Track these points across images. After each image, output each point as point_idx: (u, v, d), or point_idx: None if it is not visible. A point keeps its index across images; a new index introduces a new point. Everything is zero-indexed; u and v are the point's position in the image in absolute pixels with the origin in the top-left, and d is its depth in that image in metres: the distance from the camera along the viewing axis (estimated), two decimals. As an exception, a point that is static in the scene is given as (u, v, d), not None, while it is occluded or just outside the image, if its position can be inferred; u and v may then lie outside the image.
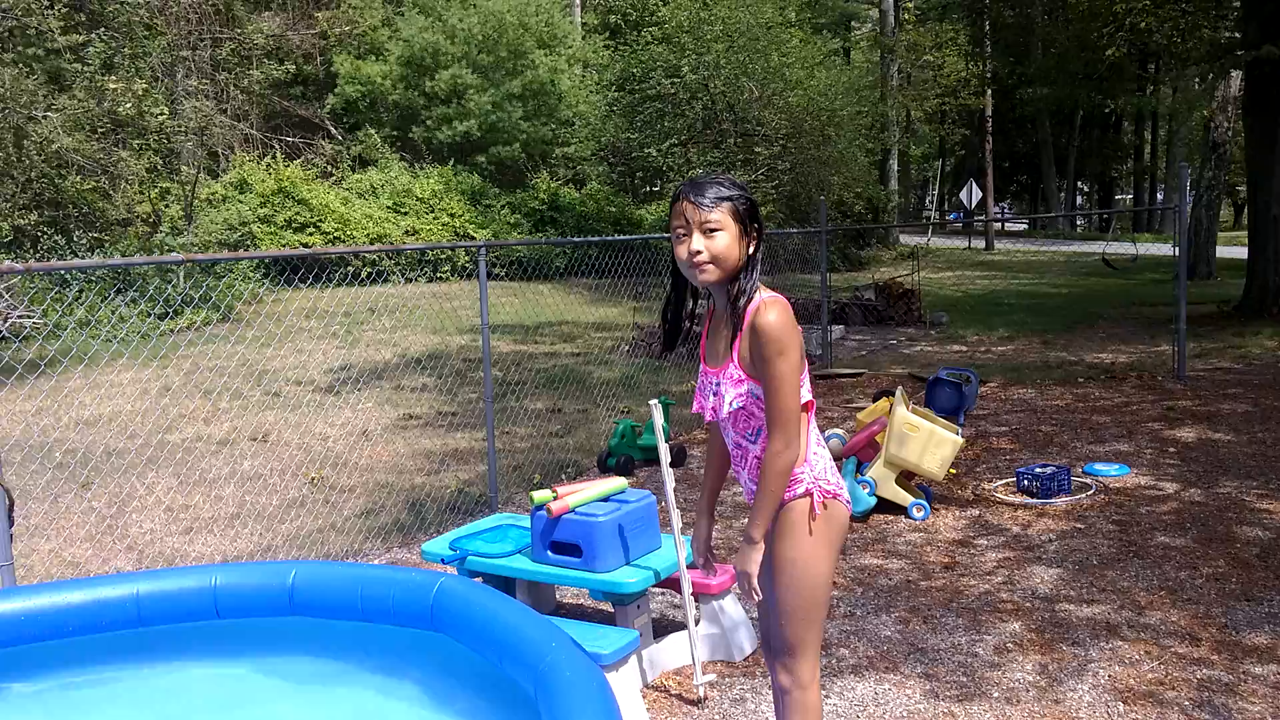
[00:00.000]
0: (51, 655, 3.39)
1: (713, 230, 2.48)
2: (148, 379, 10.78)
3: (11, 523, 4.04)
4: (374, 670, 3.50)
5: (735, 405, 2.57)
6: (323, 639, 3.56)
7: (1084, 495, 6.07)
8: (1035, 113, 39.40)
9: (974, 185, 32.31)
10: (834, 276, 19.04)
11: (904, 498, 5.84)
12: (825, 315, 11.75)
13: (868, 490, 5.82)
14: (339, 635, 3.58)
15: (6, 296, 13.53)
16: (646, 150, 22.71)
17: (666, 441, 4.12)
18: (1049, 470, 6.17)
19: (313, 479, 7.23)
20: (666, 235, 9.64)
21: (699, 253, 2.49)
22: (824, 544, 2.56)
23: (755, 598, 2.60)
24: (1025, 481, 6.19)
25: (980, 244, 33.89)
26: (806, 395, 2.57)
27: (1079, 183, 50.03)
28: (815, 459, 2.59)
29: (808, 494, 2.55)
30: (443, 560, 4.29)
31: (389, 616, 3.56)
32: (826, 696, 3.76)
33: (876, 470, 5.87)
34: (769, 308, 2.45)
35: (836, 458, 7.08)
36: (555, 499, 4.09)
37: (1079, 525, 5.59)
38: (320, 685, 3.44)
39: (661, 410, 4.16)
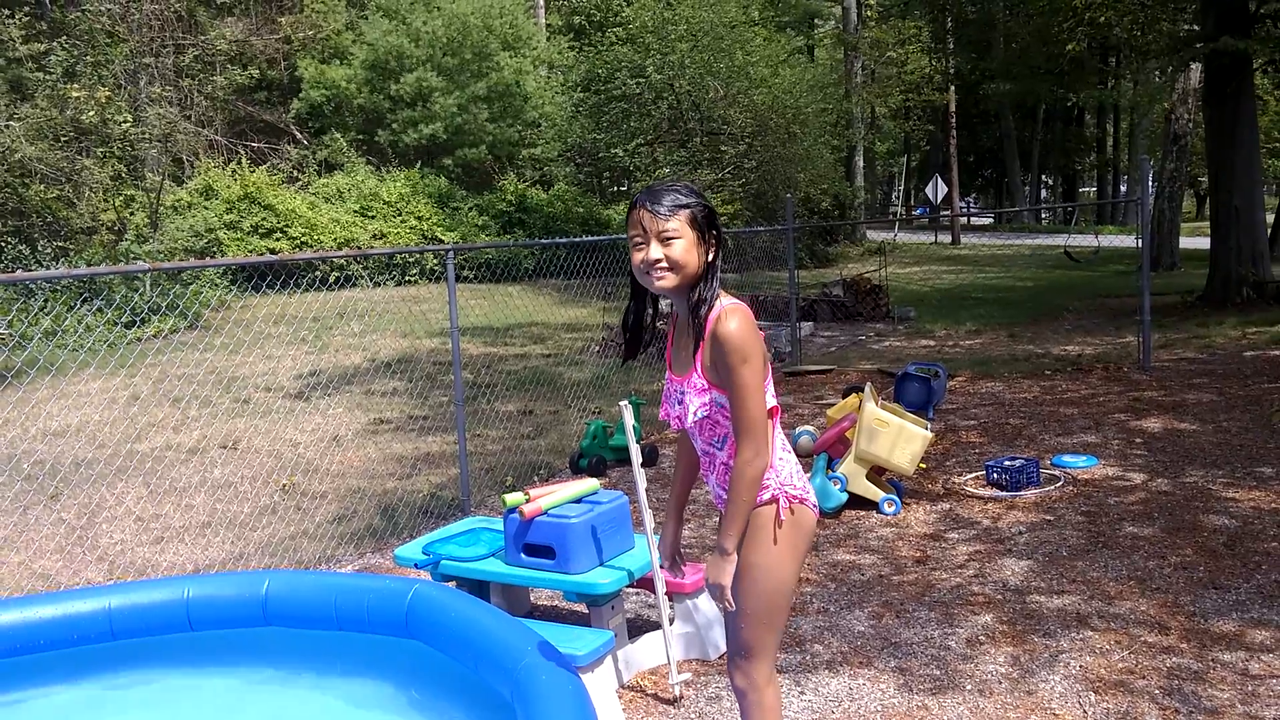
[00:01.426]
0: (23, 670, 3.36)
1: (670, 239, 2.47)
2: (116, 388, 10.66)
3: (-23, 538, 3.99)
4: (349, 678, 3.50)
5: (700, 415, 2.56)
6: (297, 648, 3.55)
7: (1053, 487, 6.15)
8: (998, 107, 39.85)
9: (939, 180, 32.59)
10: (802, 273, 19.15)
11: (875, 493, 5.89)
12: (794, 312, 11.81)
13: (839, 486, 5.87)
14: (314, 644, 3.57)
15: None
16: (613, 150, 22.71)
17: (638, 442, 4.13)
18: (1018, 463, 6.24)
19: (284, 486, 7.18)
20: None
21: (657, 261, 2.48)
22: (789, 549, 2.56)
23: (729, 608, 2.60)
24: (994, 474, 6.26)
25: (946, 239, 34.20)
26: (771, 401, 2.56)
27: (1043, 176, 50.63)
28: (781, 464, 2.58)
29: (774, 500, 2.54)
30: (416, 565, 4.28)
31: (364, 625, 3.56)
32: (801, 693, 3.79)
33: (847, 466, 5.92)
34: (730, 315, 2.45)
35: (807, 455, 7.12)
36: (528, 501, 4.10)
37: (1048, 517, 5.66)
38: (295, 694, 3.43)
39: (632, 410, 4.18)
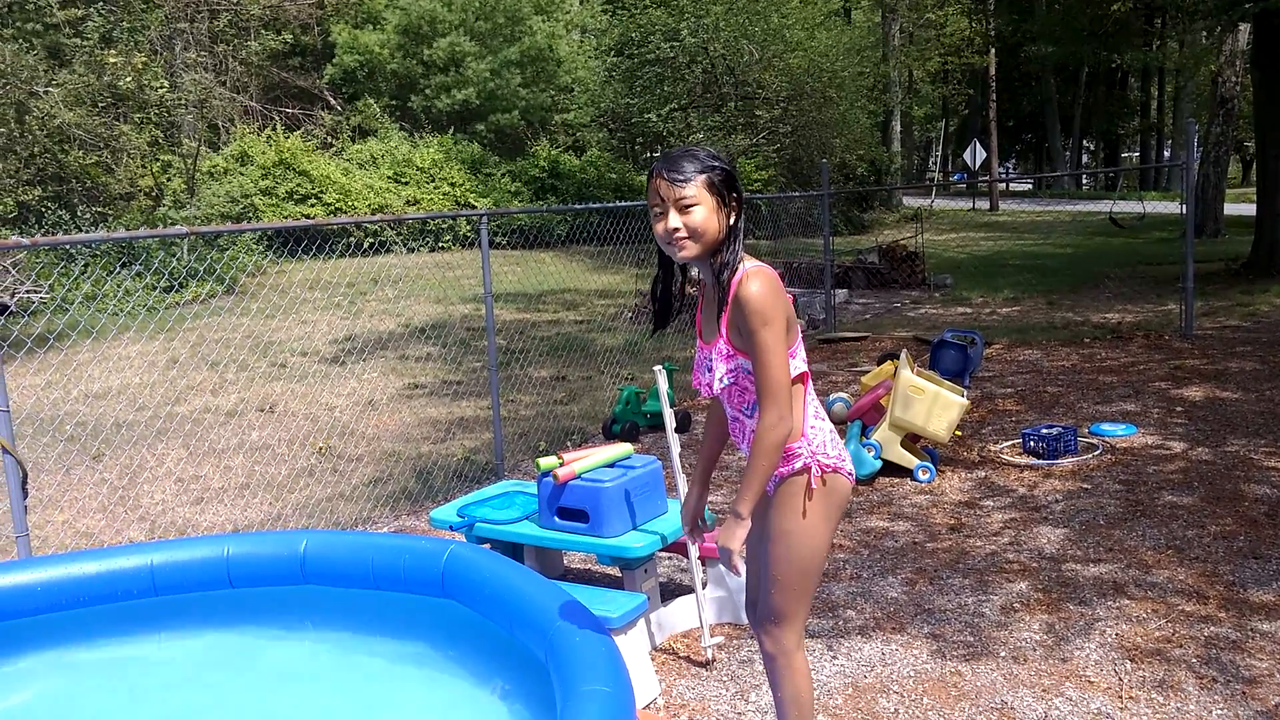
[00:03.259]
0: (70, 624, 3.43)
1: (689, 206, 2.41)
2: (155, 352, 10.81)
3: (26, 494, 4.07)
4: (386, 637, 3.53)
5: (726, 381, 2.52)
6: (335, 607, 3.60)
7: (1090, 455, 6.08)
8: (1040, 71, 39.07)
9: (978, 145, 32.08)
10: (837, 240, 18.95)
11: (909, 460, 5.85)
12: (828, 279, 11.71)
13: (873, 453, 5.84)
14: (351, 603, 3.61)
15: (13, 272, 13.54)
16: (646, 115, 22.56)
17: (671, 407, 4.12)
18: (1055, 431, 6.17)
19: (320, 449, 7.26)
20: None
21: (677, 229, 2.42)
22: (821, 518, 2.53)
23: (739, 573, 2.59)
24: (1031, 442, 6.20)
25: (984, 205, 33.71)
26: (801, 366, 2.51)
27: (1084, 141, 49.67)
28: (813, 432, 2.53)
29: (805, 468, 2.50)
30: (451, 527, 4.31)
31: (400, 584, 3.59)
32: (834, 657, 3.79)
33: (882, 433, 5.88)
34: (752, 278, 2.39)
35: (841, 422, 7.09)
36: (561, 465, 4.11)
37: (1085, 485, 5.60)
38: (333, 651, 3.48)
39: (666, 376, 4.17)
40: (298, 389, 9.14)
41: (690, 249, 2.44)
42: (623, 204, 9.07)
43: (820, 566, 2.59)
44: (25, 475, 4.14)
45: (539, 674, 2.95)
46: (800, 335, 2.58)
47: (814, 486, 2.51)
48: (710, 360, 2.58)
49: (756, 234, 17.29)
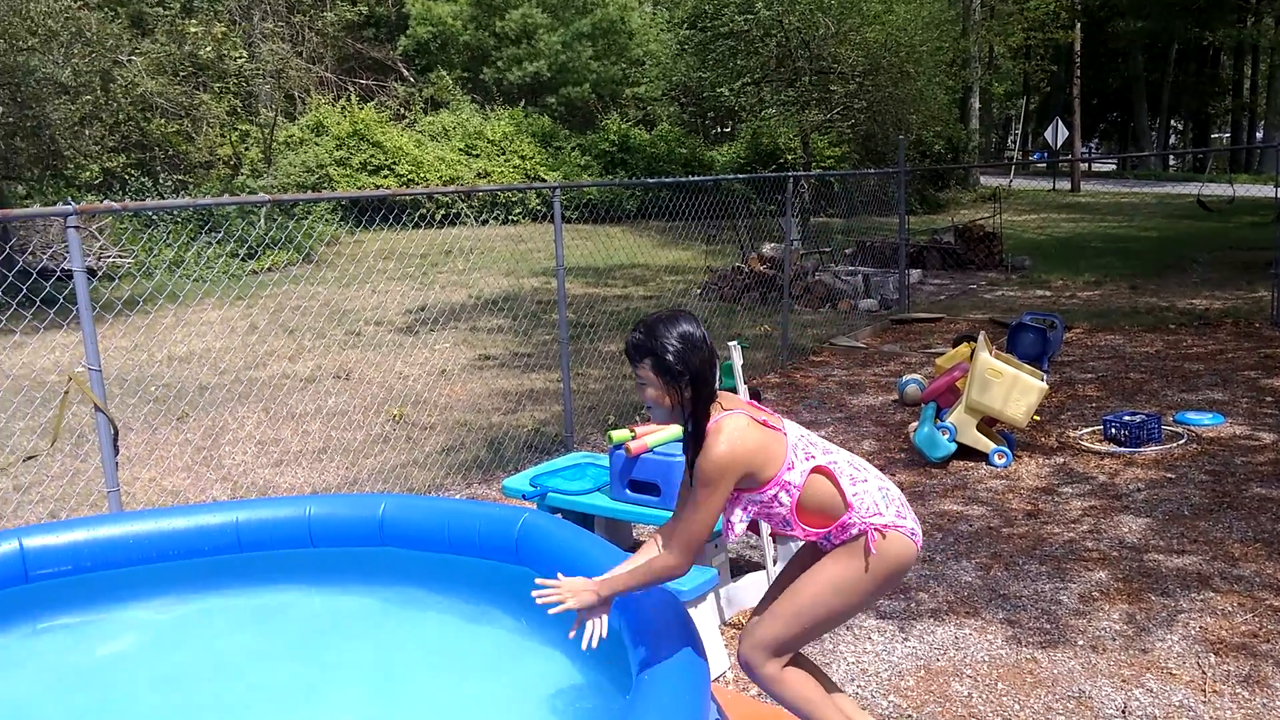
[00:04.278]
0: (159, 576, 3.55)
1: (641, 384, 2.49)
2: (235, 317, 11.08)
3: (116, 451, 4.21)
4: (460, 600, 3.58)
5: (744, 523, 2.55)
6: (411, 569, 3.66)
7: (1175, 444, 5.91)
8: (1127, 46, 37.79)
9: (1060, 124, 31.21)
10: (911, 219, 18.62)
11: (985, 444, 5.75)
12: (902, 258, 11.53)
13: (947, 436, 5.74)
14: (426, 566, 3.67)
15: (101, 237, 13.96)
16: (718, 90, 22.31)
17: (746, 382, 4.10)
18: (1138, 418, 6.01)
19: (394, 416, 7.38)
20: (739, 176, 9.56)
21: (646, 401, 2.51)
22: (869, 580, 2.48)
23: (585, 638, 2.52)
24: (1113, 429, 6.04)
25: (1066, 185, 32.81)
26: (819, 460, 2.50)
27: (1172, 120, 48.01)
28: (858, 500, 2.49)
29: (862, 533, 2.48)
30: (523, 496, 4.36)
31: (474, 549, 3.64)
32: (905, 640, 3.76)
33: (957, 416, 5.79)
34: (714, 438, 2.40)
35: (914, 403, 6.99)
36: (634, 438, 4.12)
37: (1169, 475, 5.45)
38: (409, 612, 3.54)
39: (739, 352, 4.14)
40: (372, 357, 9.29)
41: (657, 416, 2.52)
42: (693, 179, 9.00)
43: (838, 623, 2.57)
44: (116, 432, 4.27)
45: (613, 642, 2.97)
46: (790, 437, 2.52)
47: (872, 550, 2.46)
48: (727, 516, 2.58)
49: (829, 211, 17.08)
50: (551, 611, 2.49)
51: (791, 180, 9.36)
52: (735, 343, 4.08)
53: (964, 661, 3.58)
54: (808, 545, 2.67)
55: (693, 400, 2.44)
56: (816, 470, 2.48)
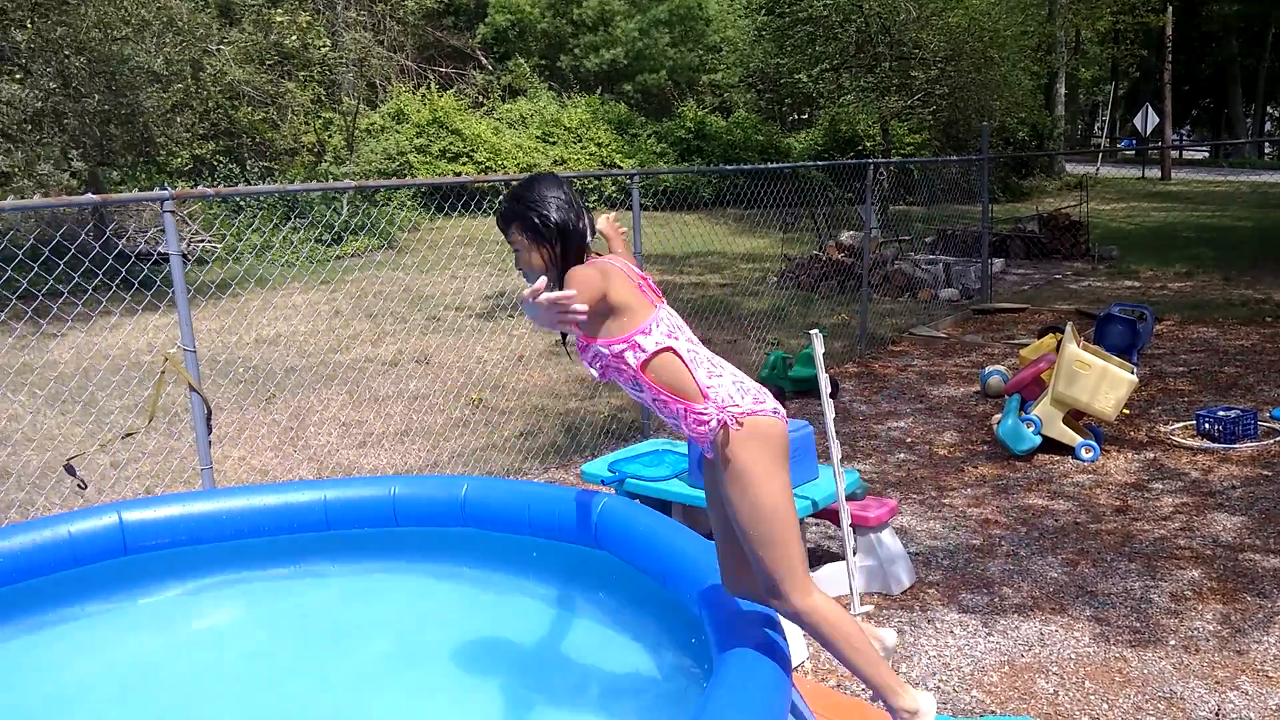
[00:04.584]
0: (249, 551, 3.65)
1: (515, 251, 2.57)
2: (319, 302, 11.33)
3: (209, 430, 4.35)
4: (540, 581, 3.62)
5: (596, 370, 2.54)
6: (492, 550, 3.71)
7: (1272, 441, 5.70)
8: (1221, 31, 36.36)
9: (1150, 110, 30.18)
10: (994, 207, 18.23)
11: (1071, 438, 5.61)
12: (985, 247, 11.29)
13: (1032, 429, 5.62)
14: (506, 547, 3.72)
15: (192, 223, 14.40)
16: (796, 76, 22.07)
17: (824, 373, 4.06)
18: (1233, 414, 5.80)
19: (474, 400, 7.49)
20: (817, 164, 9.41)
21: (522, 272, 2.58)
22: (760, 462, 2.42)
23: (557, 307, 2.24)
24: (1206, 424, 5.85)
25: (1155, 173, 31.76)
26: (664, 341, 2.46)
27: (1268, 107, 46.09)
28: (712, 390, 2.45)
29: (721, 424, 2.43)
30: (602, 481, 4.38)
31: (554, 532, 3.68)
32: (988, 634, 3.70)
33: (1042, 408, 5.66)
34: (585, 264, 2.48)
35: (998, 395, 6.86)
36: (715, 425, 4.11)
37: (1266, 472, 5.26)
38: (489, 592, 3.59)
39: (820, 340, 4.11)
40: (451, 342, 9.43)
41: (538, 286, 2.19)
42: (771, 165, 8.93)
43: (790, 509, 2.46)
44: (209, 412, 4.41)
45: (694, 630, 2.98)
46: (661, 312, 2.51)
47: (732, 439, 2.42)
48: (585, 356, 2.57)
49: (909, 199, 16.79)
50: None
51: (872, 167, 9.22)
52: (816, 330, 4.04)
53: (1050, 659, 3.51)
54: (709, 479, 2.63)
55: (561, 255, 2.51)
56: (671, 350, 2.47)
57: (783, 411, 2.55)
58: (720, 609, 2.75)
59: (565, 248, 2.51)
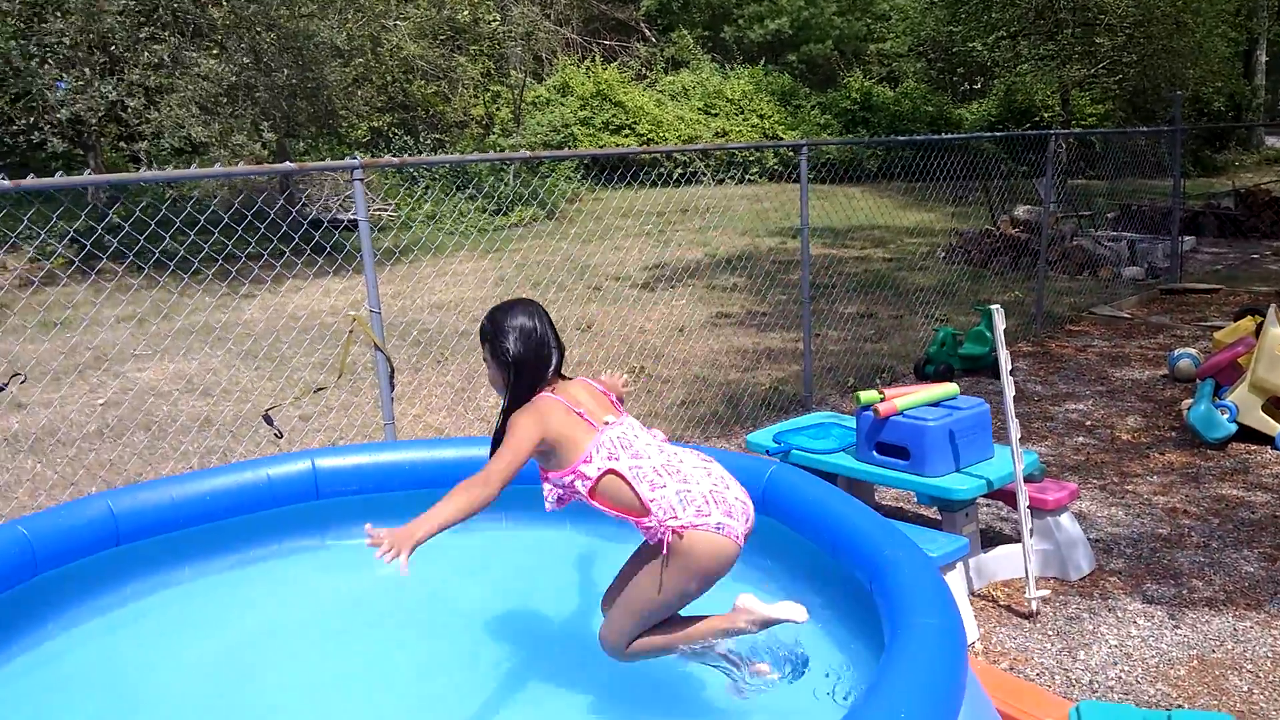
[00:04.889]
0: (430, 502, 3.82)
1: (485, 360, 2.82)
2: (485, 269, 11.69)
3: (392, 388, 4.56)
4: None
5: (553, 499, 2.75)
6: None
7: None
8: None
9: (1367, 77, 27.53)
10: (1185, 182, 17.11)
11: (1271, 426, 5.23)
12: (1175, 224, 10.60)
13: (1227, 416, 5.27)
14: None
15: (370, 192, 15.08)
16: (970, 44, 21.25)
17: (996, 350, 3.91)
18: None
19: (634, 368, 7.58)
20: (993, 134, 9.09)
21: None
22: (677, 579, 2.61)
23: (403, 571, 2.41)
24: None
25: (1369, 147, 29.01)
26: (605, 465, 2.64)
27: None
28: (655, 505, 2.61)
29: (660, 538, 2.60)
30: (767, 451, 4.37)
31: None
32: (1175, 627, 3.51)
33: (1239, 395, 5.29)
34: (526, 408, 2.68)
35: (1189, 379, 6.46)
36: (883, 400, 4.04)
37: None
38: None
39: (1002, 315, 3.96)
40: (612, 311, 9.57)
41: (496, 389, 2.82)
42: (943, 136, 8.61)
43: (664, 613, 2.69)
44: (392, 370, 4.63)
45: (861, 600, 2.94)
46: (603, 436, 2.69)
47: (665, 552, 2.60)
48: (544, 489, 2.80)
49: (1089, 173, 15.93)
50: (386, 562, 2.39)
51: (1052, 139, 8.79)
52: (997, 306, 3.90)
53: (1243, 656, 3.30)
54: (640, 551, 2.80)
55: (514, 384, 2.71)
56: (613, 472, 2.65)
57: (729, 526, 2.66)
58: (895, 583, 2.71)
59: (519, 379, 2.72)
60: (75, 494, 5.07)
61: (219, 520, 3.71)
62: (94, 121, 13.13)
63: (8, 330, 8.45)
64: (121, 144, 15.17)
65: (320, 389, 5.71)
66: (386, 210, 14.80)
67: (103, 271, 8.95)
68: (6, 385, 3.67)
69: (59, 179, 3.69)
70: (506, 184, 15.95)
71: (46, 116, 13.01)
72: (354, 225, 13.59)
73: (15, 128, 13.11)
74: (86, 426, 6.40)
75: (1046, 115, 22.44)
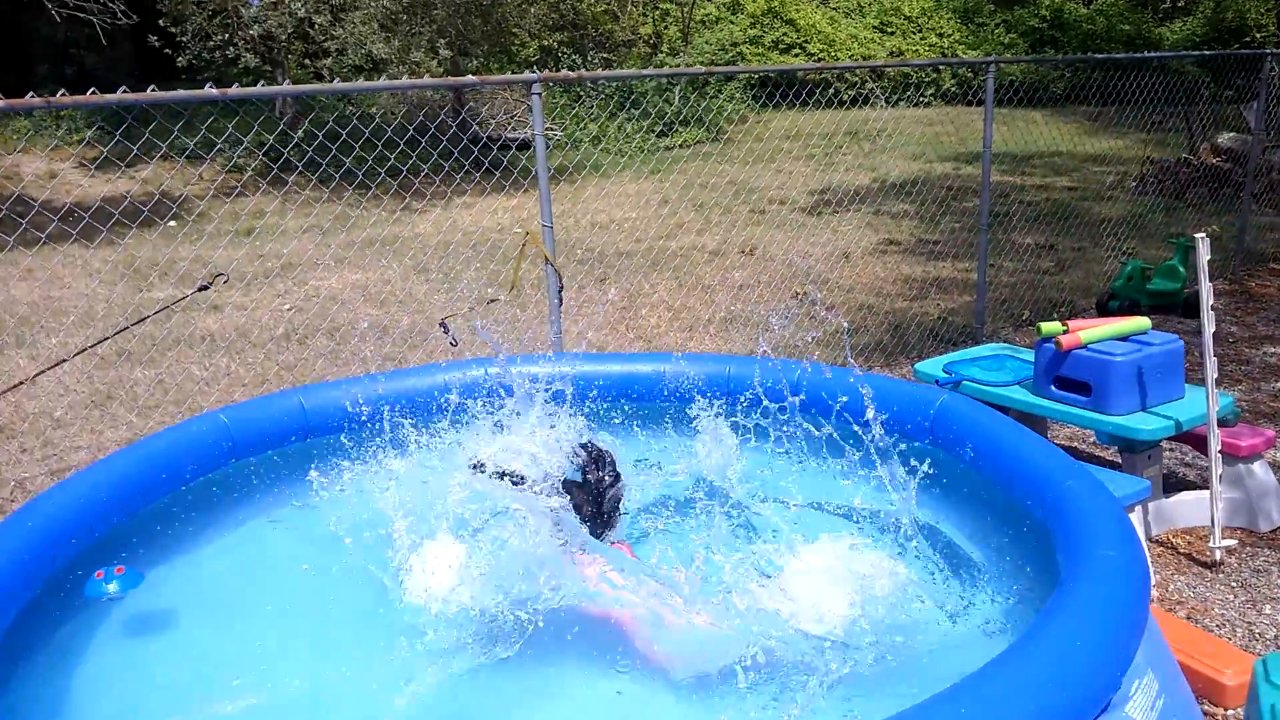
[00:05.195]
0: (592, 417, 3.90)
1: None
2: (649, 190, 11.70)
3: (561, 302, 4.66)
4: (866, 479, 3.56)
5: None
6: (822, 438, 3.71)
7: None
8: None
9: None
10: None
11: None
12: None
13: None
14: (830, 439, 3.71)
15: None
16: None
17: (1188, 286, 3.65)
18: None
19: (796, 293, 7.48)
20: (1195, 54, 8.38)
21: None
22: None
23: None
24: None
25: None
26: None
27: None
28: None
29: None
30: (937, 382, 4.25)
31: (886, 425, 3.62)
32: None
33: None
34: None
35: None
36: (1066, 332, 3.85)
37: None
38: (821, 480, 3.59)
39: (1207, 245, 3.69)
40: (775, 235, 9.44)
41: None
42: (1140, 56, 7.97)
43: None
44: (562, 284, 4.72)
45: (1037, 536, 2.85)
46: None
47: None
48: None
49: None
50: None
51: (1268, 60, 8.03)
52: (1202, 235, 3.64)
53: None
54: None
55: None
56: None
57: None
58: (1073, 517, 2.60)
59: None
60: (267, 390, 5.44)
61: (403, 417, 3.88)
62: (283, 38, 13.73)
63: (208, 237, 9.04)
64: (307, 61, 15.81)
65: (493, 300, 5.89)
66: (554, 131, 14.95)
67: (290, 184, 9.42)
68: (210, 285, 3.92)
69: (258, 89, 3.88)
70: (671, 105, 15.82)
71: (240, 33, 13.69)
72: (522, 145, 13.83)
73: (212, 43, 13.87)
74: (275, 330, 6.82)
75: (1258, 36, 20.51)
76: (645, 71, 5.36)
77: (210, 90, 3.61)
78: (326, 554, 3.06)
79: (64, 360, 4.16)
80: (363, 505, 3.34)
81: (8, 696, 2.39)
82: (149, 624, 2.78)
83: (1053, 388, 3.91)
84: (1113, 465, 3.94)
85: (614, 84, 15.58)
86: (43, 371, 3.98)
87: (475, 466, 2.84)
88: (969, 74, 18.38)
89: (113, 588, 2.79)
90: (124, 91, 3.55)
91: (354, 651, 2.65)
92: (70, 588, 2.78)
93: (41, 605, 2.64)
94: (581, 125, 15.27)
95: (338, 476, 3.50)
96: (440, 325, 4.56)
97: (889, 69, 18.83)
